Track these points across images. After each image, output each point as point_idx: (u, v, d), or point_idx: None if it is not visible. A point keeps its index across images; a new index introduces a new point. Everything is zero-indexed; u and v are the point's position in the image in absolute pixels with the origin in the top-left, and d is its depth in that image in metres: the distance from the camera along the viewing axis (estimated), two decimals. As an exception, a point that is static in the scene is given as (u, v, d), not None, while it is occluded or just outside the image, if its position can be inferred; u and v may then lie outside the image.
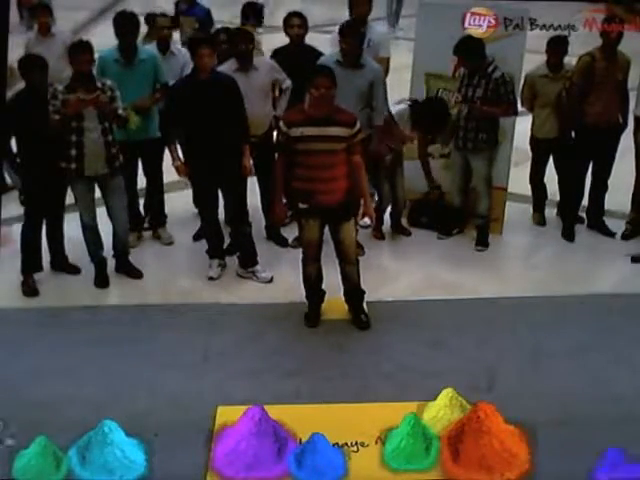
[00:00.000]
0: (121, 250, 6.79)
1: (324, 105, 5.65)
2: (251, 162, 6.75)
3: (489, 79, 6.86)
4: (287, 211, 6.17)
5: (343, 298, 6.13)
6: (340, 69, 6.48)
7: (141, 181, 7.22)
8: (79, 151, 6.25)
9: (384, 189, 7.32)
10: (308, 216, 5.85)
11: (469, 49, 6.84)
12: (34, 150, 6.30)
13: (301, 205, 5.85)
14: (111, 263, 6.77)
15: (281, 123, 5.83)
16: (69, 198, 6.68)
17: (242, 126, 6.47)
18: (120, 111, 6.33)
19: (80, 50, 6.22)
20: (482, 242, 7.27)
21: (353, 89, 6.65)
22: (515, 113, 7.12)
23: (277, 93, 7.04)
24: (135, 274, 6.74)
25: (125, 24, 6.87)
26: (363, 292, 6.12)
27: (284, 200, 5.99)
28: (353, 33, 6.79)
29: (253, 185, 7.03)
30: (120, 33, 6.85)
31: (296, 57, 7.04)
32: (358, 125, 5.77)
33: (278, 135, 5.95)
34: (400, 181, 7.38)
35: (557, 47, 7.10)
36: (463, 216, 7.46)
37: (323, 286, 6.13)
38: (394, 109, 7.03)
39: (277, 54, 7.22)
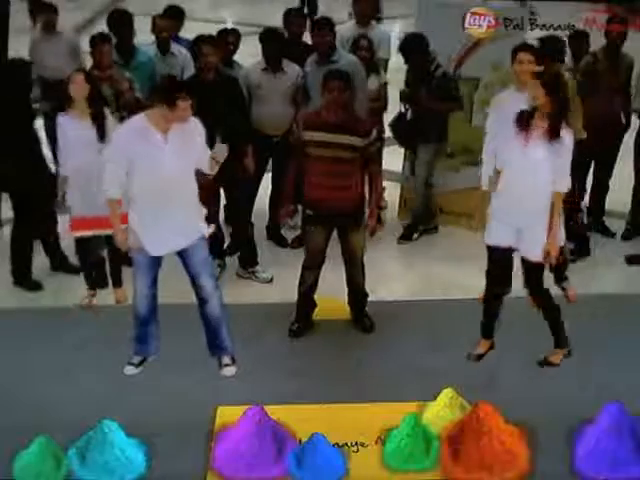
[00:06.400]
0: None
1: (336, 109, 5.60)
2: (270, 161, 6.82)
3: (432, 77, 6.86)
4: (293, 212, 6.31)
5: (347, 301, 6.11)
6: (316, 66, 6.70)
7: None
8: None
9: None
10: (315, 223, 5.81)
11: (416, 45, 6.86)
12: (14, 150, 6.25)
13: (308, 212, 5.83)
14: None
15: (294, 125, 5.82)
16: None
17: (244, 126, 6.45)
18: (137, 94, 6.39)
19: (100, 42, 6.38)
20: (406, 236, 7.40)
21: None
22: (461, 108, 7.12)
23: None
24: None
25: (118, 22, 6.89)
26: (366, 295, 6.10)
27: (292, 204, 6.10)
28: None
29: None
30: (115, 32, 6.85)
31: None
32: (374, 135, 5.70)
33: (291, 136, 5.93)
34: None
35: (580, 41, 7.02)
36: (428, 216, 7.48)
37: (326, 286, 6.10)
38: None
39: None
